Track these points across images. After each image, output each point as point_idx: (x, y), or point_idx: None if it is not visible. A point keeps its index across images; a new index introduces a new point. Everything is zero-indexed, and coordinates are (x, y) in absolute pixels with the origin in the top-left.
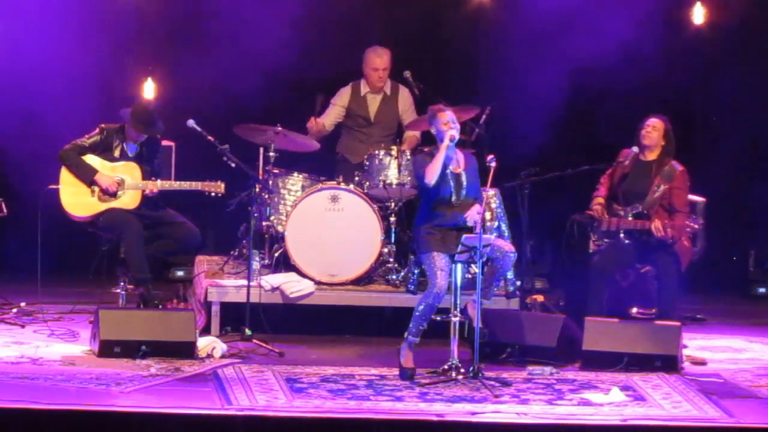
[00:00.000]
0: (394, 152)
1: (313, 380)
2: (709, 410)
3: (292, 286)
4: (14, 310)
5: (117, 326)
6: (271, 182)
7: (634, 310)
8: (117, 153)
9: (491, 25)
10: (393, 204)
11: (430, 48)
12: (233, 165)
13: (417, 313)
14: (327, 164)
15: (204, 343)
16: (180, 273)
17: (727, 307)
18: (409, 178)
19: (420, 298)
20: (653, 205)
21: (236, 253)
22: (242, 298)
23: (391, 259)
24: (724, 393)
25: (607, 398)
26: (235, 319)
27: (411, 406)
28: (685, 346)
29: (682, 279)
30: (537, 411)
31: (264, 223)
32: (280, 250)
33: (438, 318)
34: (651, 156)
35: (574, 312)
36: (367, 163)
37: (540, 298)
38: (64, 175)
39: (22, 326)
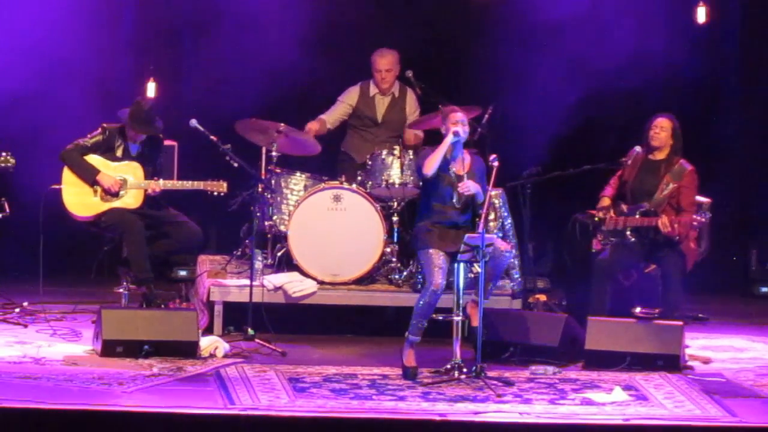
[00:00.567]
0: (396, 152)
1: (315, 380)
2: (711, 410)
3: (295, 285)
4: (17, 310)
5: (120, 326)
6: (273, 182)
7: (637, 309)
8: (119, 153)
9: (493, 23)
10: (396, 203)
11: (432, 47)
12: (236, 164)
13: (415, 312)
14: (329, 163)
15: (207, 343)
16: (182, 273)
17: (729, 307)
18: (411, 178)
19: (418, 296)
20: (661, 203)
21: (239, 253)
22: (245, 297)
23: (394, 259)
24: (726, 392)
25: (610, 398)
26: (238, 318)
27: (413, 406)
28: (687, 346)
29: (686, 279)
30: (539, 410)
31: (266, 223)
32: (282, 250)
33: (440, 317)
34: (660, 155)
35: (576, 311)
36: (370, 162)
37: (542, 297)
38: (67, 175)
39: (25, 326)
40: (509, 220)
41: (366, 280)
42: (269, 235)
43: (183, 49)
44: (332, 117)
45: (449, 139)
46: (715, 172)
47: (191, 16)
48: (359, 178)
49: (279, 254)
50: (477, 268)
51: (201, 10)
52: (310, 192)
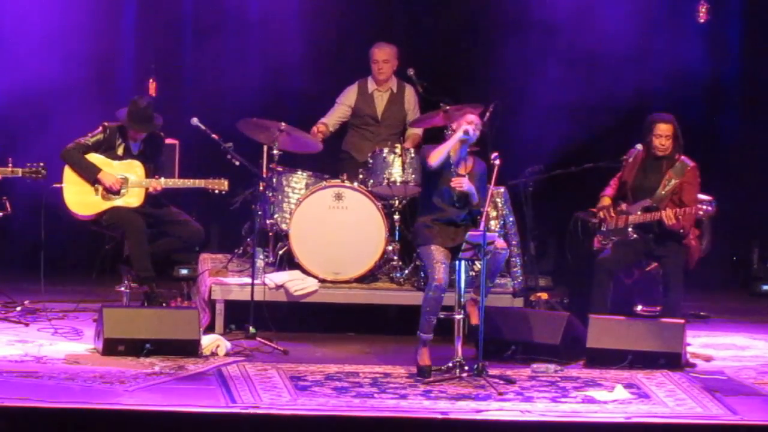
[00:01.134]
0: (398, 150)
1: (317, 378)
2: (712, 408)
3: (296, 284)
4: (18, 309)
5: (121, 324)
6: (275, 180)
7: (639, 307)
8: (120, 151)
9: (494, 22)
10: (397, 202)
11: (433, 45)
12: (237, 163)
13: (422, 309)
14: (331, 162)
15: (208, 342)
16: (184, 271)
17: (730, 305)
18: (413, 176)
19: (423, 294)
20: (663, 199)
21: (240, 251)
22: (246, 296)
23: (396, 257)
24: (727, 390)
25: (612, 396)
26: (239, 317)
27: (415, 404)
28: (689, 344)
29: (687, 276)
30: (541, 408)
31: (268, 221)
32: (284, 248)
33: (441, 315)
34: (662, 154)
35: (578, 309)
36: (371, 160)
37: (544, 295)
38: (68, 173)
39: (26, 324)
40: (511, 219)
41: (368, 278)
42: (271, 234)
43: (184, 47)
44: (332, 120)
45: (459, 134)
46: (717, 169)
47: (192, 15)
48: (361, 176)
49: (280, 253)
50: (478, 266)
51: (201, 9)
52: (312, 190)
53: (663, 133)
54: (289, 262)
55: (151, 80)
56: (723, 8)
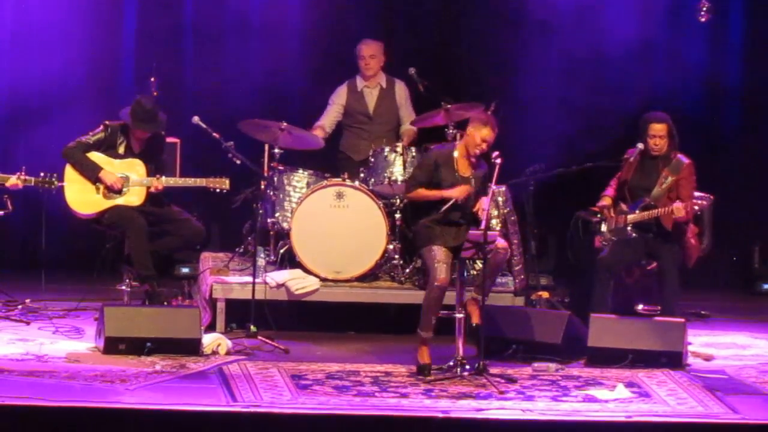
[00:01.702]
0: (399, 149)
1: (318, 377)
2: (713, 407)
3: (297, 282)
4: (19, 307)
5: (122, 323)
6: (276, 179)
7: (640, 306)
8: (121, 150)
9: (494, 20)
10: (398, 201)
11: (434, 44)
12: (238, 162)
13: (423, 307)
14: (331, 161)
15: (209, 340)
16: (185, 270)
17: (731, 304)
18: None
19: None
20: (660, 197)
21: (241, 250)
22: (247, 294)
23: (397, 256)
24: (728, 389)
25: (612, 395)
26: (241, 316)
27: (416, 403)
28: (690, 343)
29: (683, 275)
30: (542, 407)
31: (269, 220)
32: (285, 247)
33: (442, 314)
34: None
35: (579, 308)
36: (372, 159)
37: (545, 294)
38: (69, 172)
39: (27, 323)
40: (513, 218)
41: (369, 277)
42: (272, 233)
43: (185, 46)
44: (328, 120)
45: (453, 196)
46: (718, 168)
47: (193, 14)
48: (362, 175)
49: (281, 251)
50: (478, 265)
51: (203, 9)
52: (313, 189)
53: (657, 133)
54: (290, 260)
55: (152, 79)
56: (724, 7)
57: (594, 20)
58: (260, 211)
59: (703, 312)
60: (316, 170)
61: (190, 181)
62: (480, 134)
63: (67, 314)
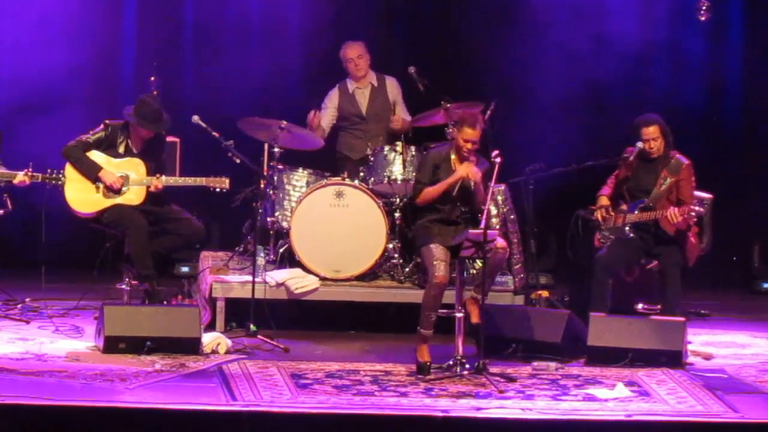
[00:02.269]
0: (399, 148)
1: (318, 376)
2: (713, 406)
3: (297, 281)
4: (19, 306)
5: (122, 322)
6: (276, 178)
7: (640, 306)
8: (122, 149)
9: (495, 19)
10: (398, 200)
11: (434, 43)
12: (238, 161)
13: (422, 305)
14: (331, 161)
15: (209, 339)
16: (185, 269)
17: (731, 303)
18: (413, 174)
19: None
20: (660, 198)
21: (241, 249)
22: (247, 293)
23: (396, 255)
24: (728, 388)
25: (612, 394)
26: (240, 315)
27: (416, 402)
28: (690, 342)
29: (684, 274)
30: (542, 406)
31: (269, 219)
32: (285, 246)
33: (442, 313)
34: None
35: (578, 308)
36: (372, 158)
37: (545, 293)
38: (69, 171)
39: (27, 322)
40: (512, 216)
41: (368, 276)
42: (271, 232)
43: (185, 45)
44: (324, 122)
45: (458, 175)
46: (718, 168)
47: (193, 14)
48: (361, 174)
49: (281, 250)
50: (478, 264)
51: (203, 8)
52: (313, 188)
53: (650, 136)
54: (289, 259)
55: (152, 78)
56: (724, 7)
57: (594, 20)
58: (260, 210)
59: (702, 311)
60: (316, 169)
61: (190, 181)
62: (462, 135)
63: (67, 313)
